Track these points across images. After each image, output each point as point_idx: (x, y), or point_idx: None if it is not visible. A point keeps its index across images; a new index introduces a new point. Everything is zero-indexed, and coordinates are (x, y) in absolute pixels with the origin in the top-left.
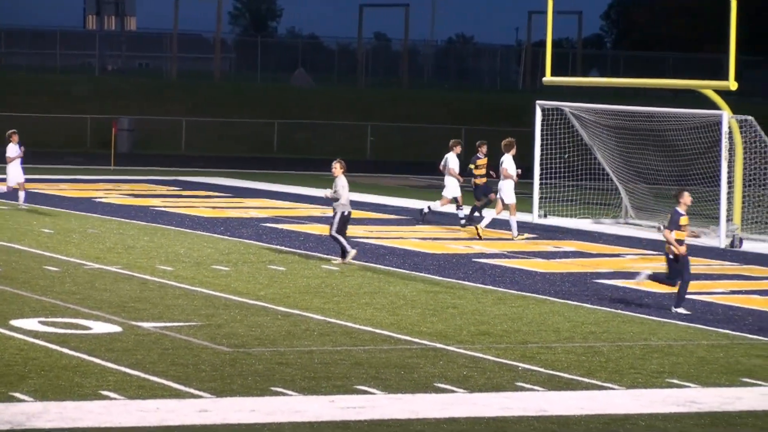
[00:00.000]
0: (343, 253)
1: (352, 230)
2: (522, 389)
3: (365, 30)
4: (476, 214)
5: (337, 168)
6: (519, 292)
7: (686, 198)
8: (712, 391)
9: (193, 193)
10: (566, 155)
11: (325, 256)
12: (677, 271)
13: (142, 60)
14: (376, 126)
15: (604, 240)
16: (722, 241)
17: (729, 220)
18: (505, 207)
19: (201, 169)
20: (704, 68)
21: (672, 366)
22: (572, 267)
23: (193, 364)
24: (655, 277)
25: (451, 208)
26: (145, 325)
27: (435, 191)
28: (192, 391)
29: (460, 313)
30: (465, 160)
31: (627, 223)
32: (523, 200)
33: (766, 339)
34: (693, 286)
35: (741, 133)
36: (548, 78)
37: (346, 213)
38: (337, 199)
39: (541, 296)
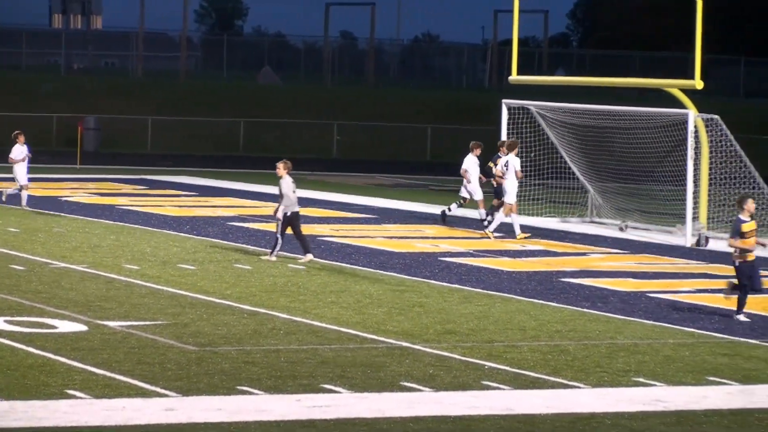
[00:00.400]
0: (273, 249)
1: (319, 229)
2: (488, 388)
3: (331, 29)
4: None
5: (281, 168)
6: (485, 291)
7: (750, 205)
8: (678, 390)
9: (160, 192)
10: (532, 154)
11: (291, 255)
12: (748, 277)
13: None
14: (343, 125)
15: (570, 239)
16: (688, 240)
17: (695, 219)
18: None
19: (167, 168)
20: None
21: (638, 365)
22: (538, 266)
23: (160, 363)
24: (736, 288)
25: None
26: (111, 324)
27: (402, 190)
28: (158, 390)
29: (426, 312)
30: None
31: (593, 222)
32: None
33: (731, 338)
34: (658, 284)
35: (707, 132)
36: (514, 77)
37: (289, 213)
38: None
39: (507, 295)
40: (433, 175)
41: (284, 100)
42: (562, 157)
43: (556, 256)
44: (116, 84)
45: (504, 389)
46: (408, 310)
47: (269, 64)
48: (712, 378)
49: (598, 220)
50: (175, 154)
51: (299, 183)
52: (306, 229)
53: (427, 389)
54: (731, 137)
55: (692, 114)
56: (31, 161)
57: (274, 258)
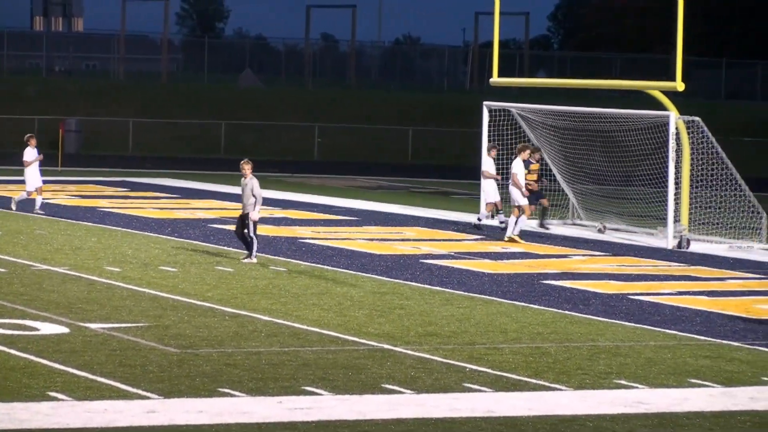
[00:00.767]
0: (249, 250)
1: (300, 231)
2: (469, 390)
3: (312, 31)
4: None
5: (248, 169)
6: (466, 293)
7: None
8: (660, 392)
9: (141, 194)
10: (513, 156)
11: (273, 257)
12: None
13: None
14: (324, 127)
15: (551, 241)
16: (669, 242)
17: (676, 221)
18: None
19: (148, 170)
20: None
21: (619, 367)
22: (519, 268)
23: (141, 365)
24: None
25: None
26: (93, 326)
27: (384, 192)
28: (140, 392)
29: (407, 314)
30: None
31: (574, 224)
32: (471, 201)
33: (713, 340)
34: (640, 287)
35: (688, 133)
36: (495, 79)
37: (243, 213)
38: (255, 199)
39: (488, 297)
40: (415, 177)
41: (265, 102)
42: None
43: (538, 258)
44: (97, 86)
45: (485, 391)
46: (389, 313)
47: (250, 67)
48: (693, 380)
49: (579, 222)
50: (157, 156)
51: (281, 185)
52: (287, 231)
53: (408, 391)
54: (712, 139)
55: (673, 116)
56: (41, 164)
57: (254, 260)
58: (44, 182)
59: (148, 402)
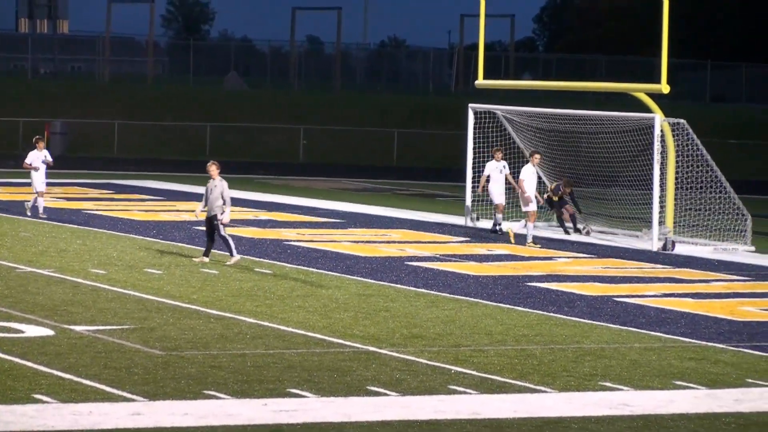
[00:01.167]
0: (230, 251)
1: (285, 233)
2: (455, 392)
3: (298, 33)
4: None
5: (215, 170)
6: (451, 295)
7: None
8: (645, 394)
9: (126, 197)
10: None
11: (258, 259)
12: None
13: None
14: (309, 129)
15: (537, 243)
16: (655, 244)
17: (661, 223)
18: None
19: (134, 173)
20: (636, 71)
21: (604, 369)
22: (504, 270)
23: (126, 367)
24: None
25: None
26: (78, 328)
27: (369, 194)
28: (125, 394)
29: (392, 316)
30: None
31: (550, 227)
32: (456, 203)
33: (698, 342)
34: (625, 289)
35: (673, 136)
36: (481, 81)
37: (210, 214)
38: (224, 201)
39: (473, 299)
40: (400, 179)
41: (251, 104)
42: (528, 161)
43: (523, 260)
44: (83, 88)
45: (470, 393)
46: (374, 315)
47: (236, 69)
48: (678, 382)
49: (554, 225)
50: (142, 159)
51: (266, 187)
52: (272, 233)
53: (393, 393)
54: (698, 141)
55: (659, 118)
56: (49, 167)
57: (237, 257)
58: (29, 185)
59: (133, 404)
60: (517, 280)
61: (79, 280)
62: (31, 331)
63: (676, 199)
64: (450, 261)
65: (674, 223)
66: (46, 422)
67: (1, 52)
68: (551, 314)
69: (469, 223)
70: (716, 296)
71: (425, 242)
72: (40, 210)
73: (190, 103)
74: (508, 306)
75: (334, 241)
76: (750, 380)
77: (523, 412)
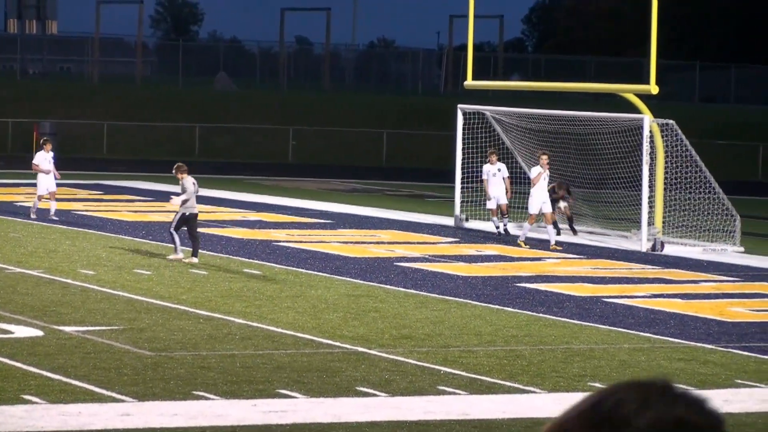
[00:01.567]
0: (195, 249)
1: (275, 234)
2: (444, 393)
3: (287, 34)
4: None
5: (178, 172)
6: (440, 296)
7: None
8: None
9: (115, 197)
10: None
11: (247, 260)
12: None
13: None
14: (298, 130)
15: (526, 243)
16: (644, 245)
17: (650, 223)
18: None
19: (123, 173)
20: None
21: (594, 369)
22: (494, 271)
23: (115, 368)
24: None
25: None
26: (67, 329)
27: (358, 195)
28: (114, 395)
29: (381, 317)
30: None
31: (539, 227)
32: (445, 204)
33: (687, 342)
34: (614, 289)
35: (662, 136)
36: (470, 82)
37: (187, 213)
38: (187, 200)
39: (462, 300)
40: (389, 180)
41: (240, 105)
42: (517, 161)
43: (512, 261)
44: (72, 89)
45: (460, 394)
46: (364, 315)
47: (225, 70)
48: None
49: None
50: (131, 159)
51: (255, 188)
52: (262, 234)
53: (383, 394)
54: (687, 142)
55: (648, 119)
56: (56, 169)
57: (180, 255)
58: (19, 185)
59: (122, 405)
60: (506, 281)
61: (69, 281)
62: (21, 331)
63: (665, 200)
64: (439, 262)
65: (663, 223)
66: (35, 423)
67: None
68: (540, 315)
69: (458, 224)
70: (705, 297)
71: (414, 243)
72: (53, 211)
73: (179, 103)
74: (497, 306)
75: (324, 242)
76: (739, 381)
77: (512, 412)
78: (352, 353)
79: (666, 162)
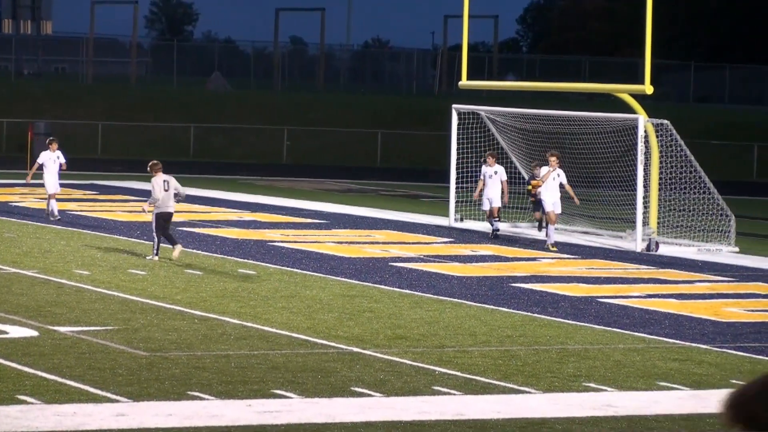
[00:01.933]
0: (173, 242)
1: (269, 234)
2: (439, 393)
3: (281, 34)
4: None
5: (150, 169)
6: (435, 296)
7: None
8: (629, 395)
9: (110, 197)
10: (482, 159)
11: (242, 260)
12: None
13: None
14: (293, 130)
15: (520, 243)
16: (638, 245)
17: (645, 223)
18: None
19: (117, 173)
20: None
21: (588, 370)
22: (488, 271)
23: (110, 368)
24: None
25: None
26: (62, 329)
27: (352, 195)
28: (109, 395)
29: (376, 317)
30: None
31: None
32: (440, 204)
33: (682, 343)
34: (609, 290)
35: (657, 136)
36: (464, 82)
37: (161, 212)
38: (156, 200)
39: (457, 300)
40: (384, 180)
41: (234, 105)
42: (512, 162)
43: (507, 261)
44: (66, 89)
45: (455, 394)
46: (358, 316)
47: (219, 70)
48: (662, 383)
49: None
50: (125, 160)
51: (250, 188)
52: (256, 234)
53: (377, 394)
54: (681, 142)
55: (642, 119)
56: (62, 169)
57: (156, 258)
58: (15, 185)
59: (117, 405)
60: (501, 281)
61: (63, 281)
62: (15, 332)
63: (659, 200)
64: (434, 262)
65: (658, 223)
66: (30, 423)
67: None
68: (535, 315)
69: (453, 224)
70: (700, 297)
71: (409, 243)
72: (55, 212)
73: (173, 103)
74: (492, 307)
75: (318, 242)
76: (734, 381)
77: (507, 413)
78: (346, 353)
79: (661, 162)
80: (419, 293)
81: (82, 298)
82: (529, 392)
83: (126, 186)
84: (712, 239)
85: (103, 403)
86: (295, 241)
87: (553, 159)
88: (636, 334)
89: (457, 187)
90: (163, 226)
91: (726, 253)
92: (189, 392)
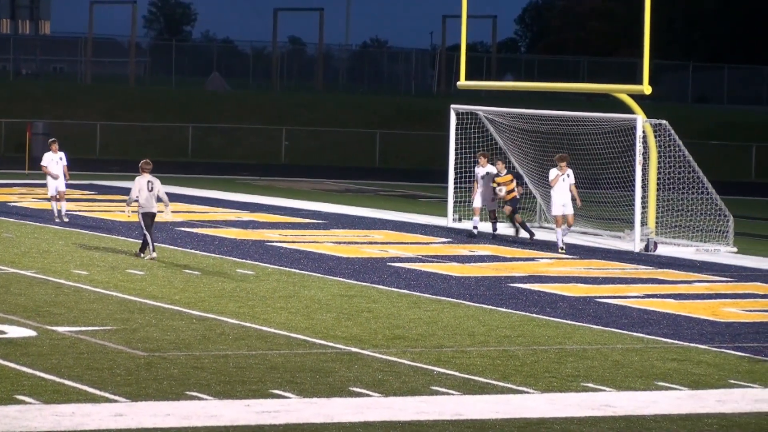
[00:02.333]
0: (144, 247)
1: (268, 234)
2: (437, 393)
3: (280, 34)
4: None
5: (147, 168)
6: (434, 296)
7: None
8: (627, 395)
9: (108, 197)
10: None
11: (240, 260)
12: None
13: (57, 64)
14: (291, 130)
15: (519, 244)
16: (637, 245)
17: (643, 224)
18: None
19: (116, 173)
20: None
21: (587, 370)
22: (487, 271)
23: (109, 368)
24: None
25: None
26: (60, 329)
27: (351, 195)
28: (107, 395)
29: (375, 317)
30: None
31: (542, 227)
32: (438, 204)
33: (680, 343)
34: (607, 290)
35: (655, 137)
36: (463, 82)
37: (143, 212)
38: (135, 200)
39: (455, 300)
40: (382, 180)
41: (233, 105)
42: (510, 162)
43: (505, 261)
44: (65, 89)
45: (453, 394)
46: (357, 316)
47: (218, 70)
48: (661, 383)
49: (546, 225)
50: (124, 160)
51: (248, 188)
52: (254, 234)
53: (376, 394)
54: (679, 142)
55: (640, 119)
56: (67, 168)
57: (155, 254)
58: (14, 185)
59: (115, 405)
60: (499, 281)
61: (62, 281)
62: (14, 332)
63: (658, 200)
64: (432, 262)
65: (656, 224)
66: (28, 423)
67: None
68: (533, 315)
69: (451, 224)
70: (698, 297)
71: (408, 243)
72: (63, 213)
73: (172, 103)
74: (490, 307)
75: (317, 242)
76: (732, 381)
77: (505, 413)
78: (345, 353)
79: (659, 162)
80: (418, 293)
81: (81, 298)
82: (528, 392)
83: (125, 186)
84: (710, 239)
85: (101, 403)
86: (294, 241)
87: (563, 163)
88: (634, 334)
89: (455, 187)
90: (149, 227)
91: (724, 254)
92: (187, 392)
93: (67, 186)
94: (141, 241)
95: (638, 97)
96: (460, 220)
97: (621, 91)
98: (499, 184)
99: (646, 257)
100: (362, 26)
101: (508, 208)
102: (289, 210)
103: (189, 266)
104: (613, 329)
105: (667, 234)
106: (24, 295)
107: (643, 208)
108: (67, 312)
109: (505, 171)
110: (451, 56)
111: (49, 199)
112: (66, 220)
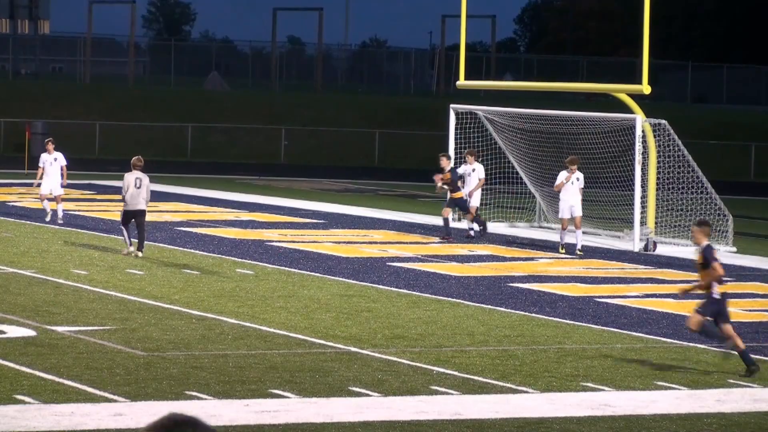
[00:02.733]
0: (131, 243)
1: (267, 234)
2: (436, 393)
3: (279, 34)
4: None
5: (139, 165)
6: (433, 296)
7: None
8: (627, 395)
9: (107, 197)
10: (480, 159)
11: (240, 260)
12: None
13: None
14: (290, 130)
15: (518, 244)
16: (636, 245)
17: (643, 223)
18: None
19: (115, 173)
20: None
21: (586, 369)
22: (486, 271)
23: (108, 368)
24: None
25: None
26: (60, 329)
27: (350, 195)
28: (107, 395)
29: (374, 317)
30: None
31: (541, 227)
32: (438, 204)
33: (680, 342)
34: (606, 289)
35: (654, 136)
36: (462, 82)
37: (129, 209)
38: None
39: (455, 300)
40: (382, 180)
41: (232, 105)
42: (509, 161)
43: (504, 261)
44: (64, 89)
45: (452, 394)
46: (356, 315)
47: (217, 69)
48: (660, 383)
49: (546, 224)
50: (123, 159)
51: (248, 188)
52: (254, 234)
53: (375, 394)
54: (679, 142)
55: (640, 119)
56: (62, 171)
57: (132, 249)
58: (13, 185)
59: (115, 405)
60: (498, 281)
61: (61, 281)
62: (13, 331)
63: (657, 200)
64: (432, 262)
65: (656, 223)
66: (27, 423)
67: None
68: (533, 315)
69: (451, 224)
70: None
71: (407, 243)
72: (59, 216)
73: (171, 103)
74: (489, 307)
75: (316, 242)
76: (731, 381)
77: (504, 412)
78: (344, 353)
79: (658, 162)
80: (417, 293)
81: (80, 298)
82: (527, 392)
83: None
84: (709, 239)
85: (100, 402)
86: (293, 241)
87: (573, 166)
88: (634, 333)
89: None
90: (139, 223)
91: (724, 253)
92: (187, 392)
93: (66, 186)
94: (137, 240)
95: (637, 97)
96: (459, 219)
97: (620, 90)
98: (443, 181)
99: (645, 257)
100: (361, 26)
101: (447, 210)
102: (288, 210)
103: (188, 266)
104: (612, 329)
105: (667, 234)
106: (23, 294)
107: (643, 207)
108: (66, 312)
109: (471, 167)
110: (450, 56)
111: (40, 198)
112: (61, 222)
